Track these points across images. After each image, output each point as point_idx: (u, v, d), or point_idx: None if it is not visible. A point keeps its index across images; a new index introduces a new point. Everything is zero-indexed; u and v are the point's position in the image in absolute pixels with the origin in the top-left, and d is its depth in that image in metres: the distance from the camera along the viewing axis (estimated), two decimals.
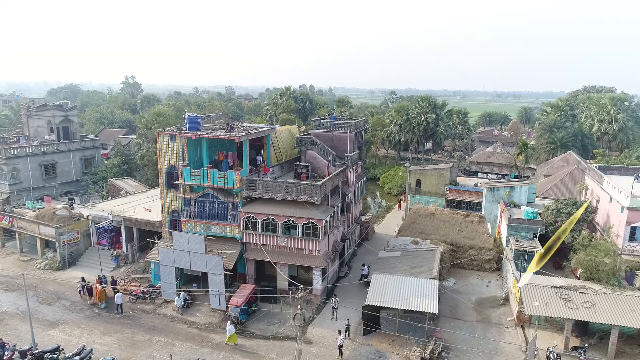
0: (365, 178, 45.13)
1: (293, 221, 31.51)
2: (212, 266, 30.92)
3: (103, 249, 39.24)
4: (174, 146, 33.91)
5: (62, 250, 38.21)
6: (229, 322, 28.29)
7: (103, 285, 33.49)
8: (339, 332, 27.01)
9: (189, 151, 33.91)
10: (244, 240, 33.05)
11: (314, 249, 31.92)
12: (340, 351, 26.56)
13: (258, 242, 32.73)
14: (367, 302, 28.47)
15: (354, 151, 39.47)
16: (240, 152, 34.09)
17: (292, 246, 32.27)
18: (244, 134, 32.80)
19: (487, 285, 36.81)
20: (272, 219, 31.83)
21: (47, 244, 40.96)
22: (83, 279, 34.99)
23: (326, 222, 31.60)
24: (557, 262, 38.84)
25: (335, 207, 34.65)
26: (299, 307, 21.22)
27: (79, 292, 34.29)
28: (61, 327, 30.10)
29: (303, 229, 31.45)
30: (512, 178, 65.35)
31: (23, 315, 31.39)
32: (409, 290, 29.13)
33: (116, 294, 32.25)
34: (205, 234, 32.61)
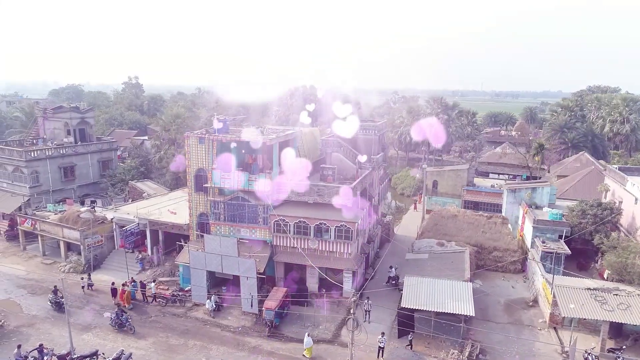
0: (387, 180, 45.19)
1: (325, 224, 31.52)
2: (245, 269, 30.89)
3: (127, 252, 39.09)
4: (203, 149, 33.87)
5: (87, 253, 38.08)
6: (306, 333, 27.27)
7: (133, 288, 33.52)
8: (382, 334, 27.07)
9: (218, 154, 33.83)
10: (274, 243, 33.04)
11: (345, 251, 31.94)
12: (381, 352, 26.63)
13: (289, 244, 32.74)
14: (403, 305, 28.50)
15: (378, 153, 39.55)
16: (268, 155, 34.05)
17: (323, 249, 32.26)
18: (274, 136, 32.81)
19: (513, 287, 36.86)
20: (304, 222, 31.83)
21: (68, 247, 40.82)
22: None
23: (358, 224, 31.64)
24: (582, 263, 39.07)
25: (365, 210, 34.69)
26: (351, 312, 21.24)
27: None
28: (94, 331, 30.01)
29: (335, 232, 31.46)
30: (524, 179, 65.59)
31: (54, 320, 31.37)
32: (443, 293, 29.18)
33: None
34: (234, 236, 32.60)
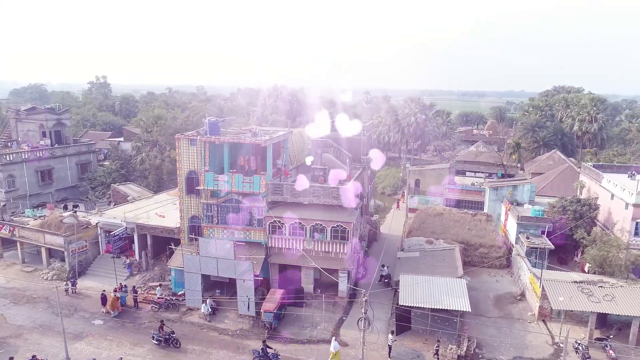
0: (374, 180, 45.71)
1: (321, 224, 31.68)
2: (242, 272, 30.74)
3: (113, 257, 38.11)
4: (195, 151, 33.40)
5: (71, 259, 36.86)
6: (333, 338, 26.76)
7: (123, 293, 32.79)
8: (392, 332, 27.55)
9: (210, 156, 33.43)
10: (269, 245, 32.96)
11: (341, 251, 32.19)
12: (390, 350, 27.06)
13: (284, 246, 32.73)
14: (401, 303, 29.00)
15: (367, 153, 39.98)
16: (262, 156, 33.93)
17: (319, 249, 32.41)
18: (267, 138, 32.71)
19: (497, 281, 38.04)
20: (300, 223, 31.89)
21: (50, 253, 39.39)
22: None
23: (354, 224, 31.95)
24: (562, 257, 40.70)
25: (358, 210, 35.04)
26: (362, 311, 21.47)
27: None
28: (87, 339, 29.16)
29: (331, 232, 31.67)
30: (499, 177, 67.68)
31: (42, 329, 30.32)
32: (439, 290, 29.84)
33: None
34: (228, 239, 32.31)
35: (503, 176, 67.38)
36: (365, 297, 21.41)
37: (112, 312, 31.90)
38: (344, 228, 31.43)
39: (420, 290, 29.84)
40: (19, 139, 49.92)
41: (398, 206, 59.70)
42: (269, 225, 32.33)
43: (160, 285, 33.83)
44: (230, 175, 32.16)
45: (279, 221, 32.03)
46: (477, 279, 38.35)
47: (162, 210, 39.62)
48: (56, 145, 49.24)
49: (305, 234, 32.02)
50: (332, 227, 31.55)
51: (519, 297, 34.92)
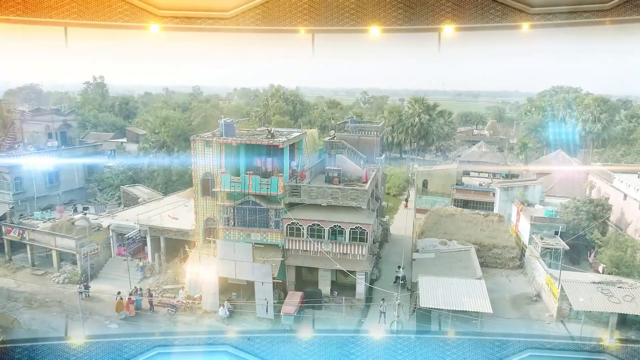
0: (385, 181, 45.62)
1: (340, 226, 31.50)
2: (260, 275, 30.47)
3: (125, 260, 37.72)
4: (210, 152, 33.11)
5: (83, 262, 36.41)
6: None
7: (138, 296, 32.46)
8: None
9: (226, 158, 33.15)
10: (287, 247, 32.72)
11: (359, 253, 32.03)
12: None
13: (301, 248, 32.51)
14: (422, 304, 28.88)
15: (380, 154, 39.88)
16: (279, 157, 33.70)
17: (336, 251, 32.23)
18: (284, 139, 32.49)
19: (510, 282, 38.06)
20: (318, 225, 31.70)
21: (60, 257, 38.88)
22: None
23: (372, 226, 31.81)
24: (574, 258, 40.78)
25: (375, 211, 34.92)
26: (396, 315, 21.32)
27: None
28: None
29: (350, 234, 31.51)
30: (503, 177, 67.84)
31: (58, 334, 29.82)
32: (459, 291, 29.75)
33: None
34: (245, 241, 32.07)
35: (507, 176, 67.60)
36: (399, 301, 21.28)
37: (117, 315, 31.48)
38: (363, 230, 31.28)
39: (441, 292, 29.71)
40: (25, 140, 49.22)
41: (406, 205, 59.62)
42: (287, 227, 32.11)
43: (182, 288, 33.45)
44: (247, 177, 31.87)
45: (297, 223, 31.81)
46: (490, 279, 38.17)
47: (174, 212, 39.23)
48: (63, 147, 48.70)
49: (324, 235, 31.83)
50: (351, 228, 31.39)
51: (534, 298, 34.92)
